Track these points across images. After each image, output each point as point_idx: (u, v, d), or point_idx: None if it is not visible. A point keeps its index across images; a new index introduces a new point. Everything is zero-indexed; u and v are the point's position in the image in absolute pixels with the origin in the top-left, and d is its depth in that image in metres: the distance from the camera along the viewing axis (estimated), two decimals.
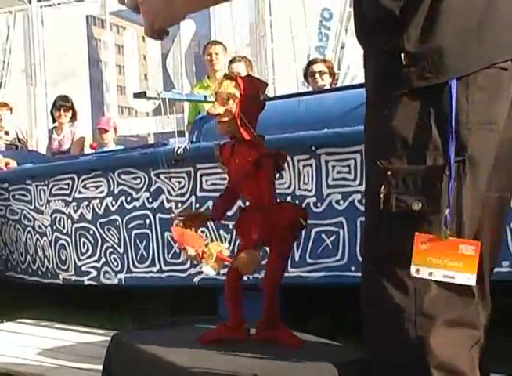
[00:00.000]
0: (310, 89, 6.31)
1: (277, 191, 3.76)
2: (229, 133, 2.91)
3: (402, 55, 1.56)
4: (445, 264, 1.56)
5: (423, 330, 1.55)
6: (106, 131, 7.23)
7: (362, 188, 3.52)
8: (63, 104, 7.39)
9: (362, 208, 3.54)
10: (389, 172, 1.57)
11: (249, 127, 2.85)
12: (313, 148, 3.68)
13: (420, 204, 1.55)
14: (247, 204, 3.13)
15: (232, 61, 6.27)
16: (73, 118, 7.46)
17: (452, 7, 1.54)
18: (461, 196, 1.55)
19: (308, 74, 6.31)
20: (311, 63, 6.47)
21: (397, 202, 1.56)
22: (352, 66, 7.98)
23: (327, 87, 6.00)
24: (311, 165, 3.72)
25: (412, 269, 1.56)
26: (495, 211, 1.71)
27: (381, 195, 1.57)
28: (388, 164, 1.58)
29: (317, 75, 6.19)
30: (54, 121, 7.56)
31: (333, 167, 3.65)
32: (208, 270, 2.63)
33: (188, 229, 2.78)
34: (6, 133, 7.44)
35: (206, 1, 1.82)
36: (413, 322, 1.56)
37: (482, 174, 1.58)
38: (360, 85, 4.53)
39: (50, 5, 10.90)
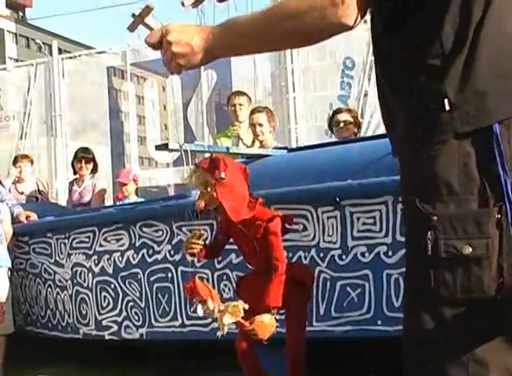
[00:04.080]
0: (333, 139, 6.34)
1: (301, 243, 3.80)
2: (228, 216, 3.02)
3: (446, 100, 1.59)
4: None
5: None
6: (125, 184, 7.28)
7: (388, 240, 3.57)
8: (84, 156, 7.46)
9: (387, 260, 3.55)
10: (435, 217, 1.59)
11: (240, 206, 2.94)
12: (337, 199, 3.71)
13: (471, 248, 1.56)
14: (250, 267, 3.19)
15: (253, 112, 6.32)
16: (94, 170, 7.53)
17: (489, 51, 1.59)
18: (510, 238, 1.57)
19: (333, 123, 6.32)
20: (336, 112, 6.48)
21: (446, 247, 1.58)
22: (376, 115, 8.01)
23: (352, 137, 6.02)
24: (335, 217, 3.73)
25: None
26: None
27: (428, 241, 1.59)
28: (433, 209, 1.59)
29: (342, 125, 6.21)
30: (75, 172, 7.64)
31: (358, 218, 3.67)
32: (229, 319, 2.72)
33: (206, 283, 2.86)
34: (22, 193, 7.53)
35: (240, 49, 1.85)
36: (466, 368, 1.56)
37: None
38: (384, 135, 4.58)
39: (71, 58, 11.11)
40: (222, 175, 2.91)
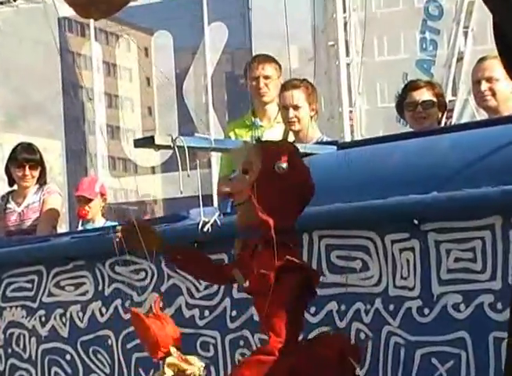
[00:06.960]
0: (408, 129, 6.33)
1: (359, 290, 3.80)
2: (250, 224, 3.00)
3: None
4: None
5: None
6: (89, 200, 7.27)
7: (496, 285, 3.58)
8: (27, 158, 7.39)
9: (495, 317, 3.55)
10: None
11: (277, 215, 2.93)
12: (416, 222, 3.72)
13: None
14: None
15: (285, 87, 6.31)
16: (42, 179, 7.51)
17: None
18: None
19: (405, 104, 6.24)
20: (409, 88, 6.34)
21: None
22: None
23: (435, 126, 5.96)
24: (412, 249, 3.75)
25: None
26: None
27: None
28: None
29: (420, 108, 6.12)
30: (11, 183, 7.65)
31: (449, 251, 3.68)
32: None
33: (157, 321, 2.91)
34: None
35: None
36: None
37: None
38: (490, 122, 4.55)
39: (2, 3, 11.13)
40: (284, 166, 2.91)
